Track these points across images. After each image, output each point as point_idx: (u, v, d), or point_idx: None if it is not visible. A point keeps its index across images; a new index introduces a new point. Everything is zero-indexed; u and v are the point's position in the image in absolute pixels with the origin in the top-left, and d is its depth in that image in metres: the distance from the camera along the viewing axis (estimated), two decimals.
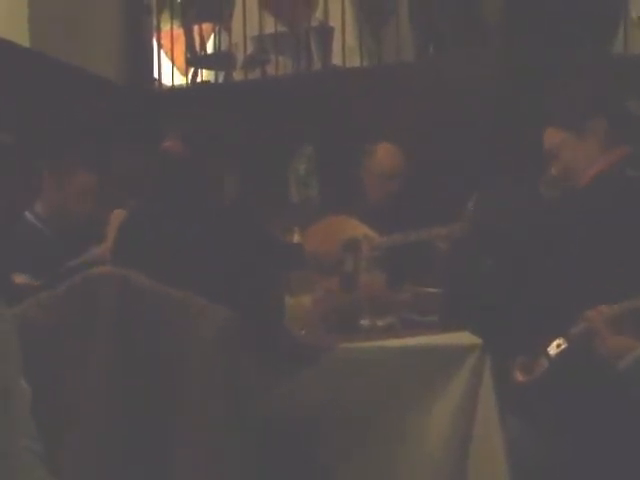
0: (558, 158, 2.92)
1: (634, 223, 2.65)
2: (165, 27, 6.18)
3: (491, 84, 4.76)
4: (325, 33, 5.80)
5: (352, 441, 2.71)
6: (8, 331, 1.71)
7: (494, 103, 4.72)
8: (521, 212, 3.26)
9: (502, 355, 2.70)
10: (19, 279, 3.49)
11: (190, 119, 3.28)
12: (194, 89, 6.05)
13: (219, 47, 6.16)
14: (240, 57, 5.96)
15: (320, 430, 2.71)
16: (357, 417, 2.72)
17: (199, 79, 6.27)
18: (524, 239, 2.96)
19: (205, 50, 6.31)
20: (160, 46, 6.12)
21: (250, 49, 5.91)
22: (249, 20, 5.84)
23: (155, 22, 6.06)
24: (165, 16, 6.20)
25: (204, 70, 6.33)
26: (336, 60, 5.75)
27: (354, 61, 5.62)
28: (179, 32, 6.28)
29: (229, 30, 6.10)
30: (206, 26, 6.37)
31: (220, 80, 6.23)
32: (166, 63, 6.22)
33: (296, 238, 3.71)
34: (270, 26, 5.87)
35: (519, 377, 2.61)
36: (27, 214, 4.00)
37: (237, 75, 6.06)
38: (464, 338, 2.73)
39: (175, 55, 6.25)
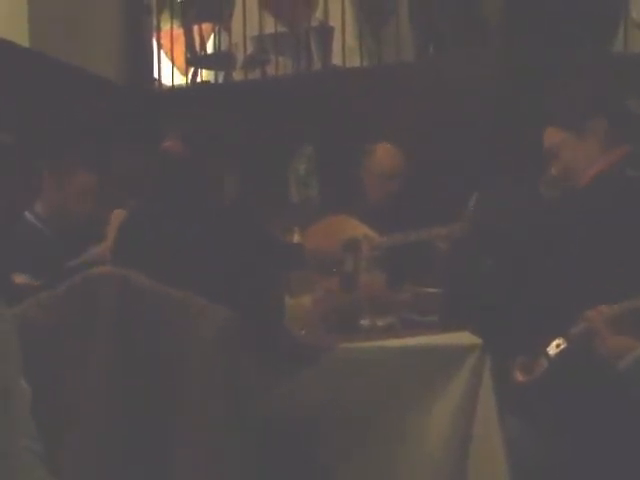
0: (558, 158, 2.91)
1: (634, 223, 2.65)
2: (165, 27, 6.18)
3: (491, 84, 4.75)
4: (325, 33, 5.80)
5: (352, 441, 2.71)
6: (8, 331, 1.71)
7: (494, 103, 4.72)
8: (521, 212, 3.25)
9: (502, 355, 2.70)
10: (19, 279, 3.49)
11: (190, 119, 3.28)
12: (194, 89, 6.05)
13: (219, 47, 6.17)
14: (240, 57, 5.96)
15: (320, 430, 2.71)
16: (357, 417, 2.71)
17: (199, 79, 6.27)
18: (524, 239, 2.95)
19: (205, 50, 6.31)
20: (160, 46, 6.12)
21: (250, 49, 5.92)
22: (249, 20, 5.84)
23: (155, 22, 6.06)
24: (165, 16, 6.20)
25: (204, 70, 6.34)
26: (336, 60, 5.75)
27: (354, 61, 5.62)
28: (179, 32, 6.28)
29: (229, 30, 6.10)
30: (206, 26, 6.37)
31: (220, 80, 6.23)
32: (166, 63, 6.22)
33: (296, 238, 3.71)
34: (270, 26, 5.87)
35: (519, 377, 2.61)
36: (27, 214, 4.00)
37: (237, 75, 6.07)
38: (464, 338, 2.73)
39: (175, 55, 6.25)
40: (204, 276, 2.69)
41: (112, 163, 4.75)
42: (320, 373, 2.72)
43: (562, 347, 2.49)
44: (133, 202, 3.49)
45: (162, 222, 2.93)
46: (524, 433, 2.64)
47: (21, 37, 4.91)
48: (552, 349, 2.50)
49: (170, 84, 6.08)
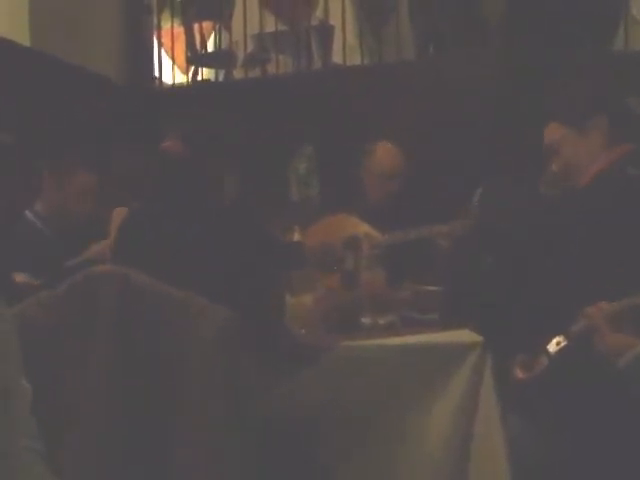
0: (559, 154, 2.91)
1: (635, 222, 2.65)
2: (165, 25, 6.19)
3: (491, 84, 4.76)
4: (325, 32, 5.81)
5: (352, 441, 2.71)
6: (8, 331, 1.71)
7: (494, 103, 4.72)
8: (521, 211, 3.26)
9: (503, 353, 2.70)
10: (19, 278, 3.49)
11: (190, 119, 3.28)
12: (194, 87, 6.06)
13: (219, 45, 6.18)
14: (240, 55, 5.97)
15: (320, 430, 2.71)
16: (357, 417, 2.71)
17: (199, 77, 6.27)
18: (525, 238, 2.95)
19: (205, 48, 6.32)
20: (160, 45, 6.13)
21: (250, 47, 5.92)
22: (249, 18, 5.85)
23: (155, 21, 6.07)
24: (165, 15, 6.20)
25: (204, 68, 6.34)
26: (336, 59, 5.75)
27: (354, 60, 5.62)
28: (179, 30, 6.29)
29: (229, 28, 6.11)
30: (206, 24, 6.38)
31: (220, 78, 6.24)
32: (166, 61, 6.23)
33: (296, 237, 3.71)
34: (270, 24, 5.87)
35: (519, 375, 2.61)
36: (27, 214, 4.00)
37: (237, 73, 6.07)
38: (465, 336, 2.73)
39: (175, 53, 6.26)
40: (204, 276, 2.69)
41: (112, 163, 4.75)
42: (320, 373, 2.71)
43: (562, 345, 2.49)
44: (135, 204, 3.49)
45: (162, 222, 2.92)
46: (524, 431, 2.64)
47: (21, 36, 4.91)
48: (552, 347, 2.50)
49: (171, 82, 6.10)
